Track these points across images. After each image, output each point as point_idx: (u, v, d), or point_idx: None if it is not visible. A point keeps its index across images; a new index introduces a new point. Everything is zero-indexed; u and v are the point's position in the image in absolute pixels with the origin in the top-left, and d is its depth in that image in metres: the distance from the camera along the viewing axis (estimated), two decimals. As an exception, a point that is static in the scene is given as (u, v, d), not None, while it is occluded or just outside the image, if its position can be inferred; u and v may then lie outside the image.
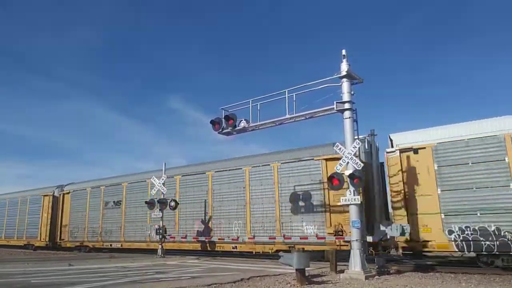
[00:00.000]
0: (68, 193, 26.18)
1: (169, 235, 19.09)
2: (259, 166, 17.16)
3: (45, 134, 78.54)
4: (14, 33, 72.47)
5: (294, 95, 12.60)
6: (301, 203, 15.41)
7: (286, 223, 15.73)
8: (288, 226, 15.65)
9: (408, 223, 11.95)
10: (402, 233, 11.67)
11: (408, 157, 12.93)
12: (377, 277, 10.34)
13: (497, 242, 11.03)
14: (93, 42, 76.59)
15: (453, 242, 11.70)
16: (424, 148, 12.61)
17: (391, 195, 13.32)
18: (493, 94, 52.01)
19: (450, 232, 11.80)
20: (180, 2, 78.82)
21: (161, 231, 18.56)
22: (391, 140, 13.44)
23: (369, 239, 12.05)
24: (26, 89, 77.11)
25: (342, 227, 13.96)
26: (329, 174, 11.91)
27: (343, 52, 11.66)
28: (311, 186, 15.24)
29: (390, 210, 13.67)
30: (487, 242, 11.17)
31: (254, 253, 16.62)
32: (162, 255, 18.27)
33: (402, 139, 13.22)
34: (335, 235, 14.04)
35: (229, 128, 14.06)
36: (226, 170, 18.29)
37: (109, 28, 76.78)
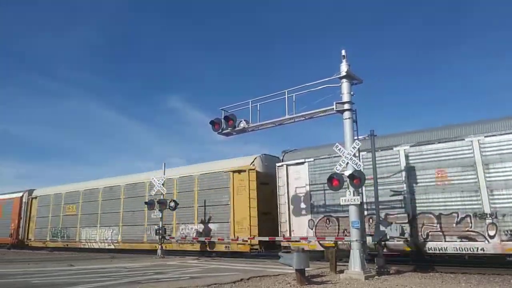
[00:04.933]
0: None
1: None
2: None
3: (45, 134, 78.56)
4: (14, 33, 72.49)
5: (293, 96, 12.61)
6: None
7: None
8: None
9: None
10: (402, 233, 11.69)
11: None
12: (376, 277, 10.36)
13: None
14: (93, 42, 76.66)
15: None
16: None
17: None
18: (493, 96, 52.01)
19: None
20: (180, 2, 78.88)
21: (161, 231, 18.61)
22: None
23: (369, 239, 12.05)
24: (26, 89, 77.21)
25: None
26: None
27: (343, 52, 11.65)
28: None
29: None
30: None
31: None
32: (162, 255, 18.29)
33: None
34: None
35: (229, 128, 14.09)
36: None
37: (109, 28, 76.82)
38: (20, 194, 29.94)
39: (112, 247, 22.34)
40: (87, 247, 24.26)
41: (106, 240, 23.05)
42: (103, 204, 23.90)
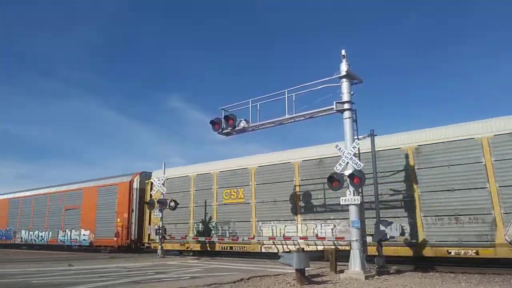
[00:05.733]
0: None
1: None
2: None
3: (45, 134, 78.58)
4: (14, 33, 72.50)
5: (293, 95, 12.62)
6: None
7: None
8: None
9: None
10: (402, 233, 11.68)
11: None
12: (377, 277, 10.35)
13: None
14: (93, 42, 76.65)
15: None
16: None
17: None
18: (493, 95, 52.02)
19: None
20: (180, 2, 78.86)
21: (161, 231, 18.61)
22: None
23: (369, 239, 12.04)
24: (26, 89, 77.19)
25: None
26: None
27: (343, 52, 11.66)
28: None
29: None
30: None
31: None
32: (162, 255, 18.30)
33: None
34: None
35: (229, 128, 14.08)
36: None
37: (109, 28, 76.80)
38: (128, 178, 22.10)
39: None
40: (275, 250, 15.54)
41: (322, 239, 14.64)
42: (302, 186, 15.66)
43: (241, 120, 13.86)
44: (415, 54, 57.58)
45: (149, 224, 20.59)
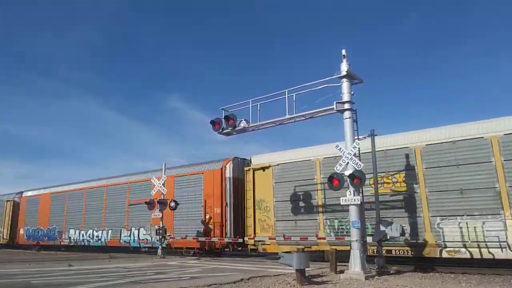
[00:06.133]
0: None
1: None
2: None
3: (45, 134, 78.54)
4: (14, 33, 72.48)
5: (294, 95, 12.60)
6: None
7: None
8: None
9: None
10: (402, 233, 11.67)
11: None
12: (377, 277, 10.34)
13: None
14: (93, 42, 76.63)
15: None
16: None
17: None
18: (493, 95, 52.00)
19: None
20: (180, 2, 78.86)
21: (161, 231, 18.58)
22: None
23: (369, 239, 12.03)
24: (26, 89, 77.17)
25: None
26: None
27: (343, 52, 11.64)
28: None
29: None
30: None
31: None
32: (162, 255, 18.27)
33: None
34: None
35: (229, 128, 14.07)
36: None
37: (109, 28, 76.76)
38: (219, 165, 18.09)
39: None
40: (467, 255, 11.79)
41: None
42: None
43: (241, 120, 13.84)
44: (415, 54, 57.64)
45: (254, 220, 16.40)
